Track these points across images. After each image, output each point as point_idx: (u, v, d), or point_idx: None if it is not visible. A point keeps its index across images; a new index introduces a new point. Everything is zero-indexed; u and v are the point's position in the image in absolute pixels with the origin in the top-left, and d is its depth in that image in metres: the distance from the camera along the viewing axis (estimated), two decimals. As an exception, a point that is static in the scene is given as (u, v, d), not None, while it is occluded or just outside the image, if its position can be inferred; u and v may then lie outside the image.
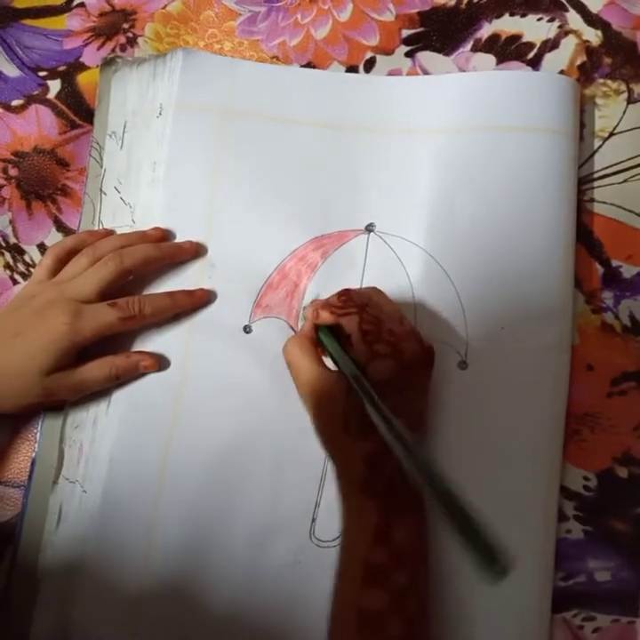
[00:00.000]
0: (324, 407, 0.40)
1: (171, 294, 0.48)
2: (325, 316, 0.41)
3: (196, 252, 0.50)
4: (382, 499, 0.39)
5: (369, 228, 0.50)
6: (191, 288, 0.49)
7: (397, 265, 0.48)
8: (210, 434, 0.47)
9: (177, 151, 0.52)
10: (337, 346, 0.41)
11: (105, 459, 0.47)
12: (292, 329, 0.49)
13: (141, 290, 0.50)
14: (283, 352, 0.44)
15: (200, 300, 0.49)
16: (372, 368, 0.39)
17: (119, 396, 0.48)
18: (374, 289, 0.44)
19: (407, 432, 0.32)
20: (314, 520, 0.45)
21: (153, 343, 0.48)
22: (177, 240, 0.50)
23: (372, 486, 0.39)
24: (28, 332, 0.44)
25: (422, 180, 0.50)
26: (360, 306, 0.41)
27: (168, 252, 0.49)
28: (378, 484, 0.39)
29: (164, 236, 0.50)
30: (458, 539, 0.25)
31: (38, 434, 0.48)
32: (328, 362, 0.42)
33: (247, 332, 0.49)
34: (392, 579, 0.37)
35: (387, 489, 0.39)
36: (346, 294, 0.43)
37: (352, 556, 0.39)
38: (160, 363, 0.48)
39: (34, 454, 0.48)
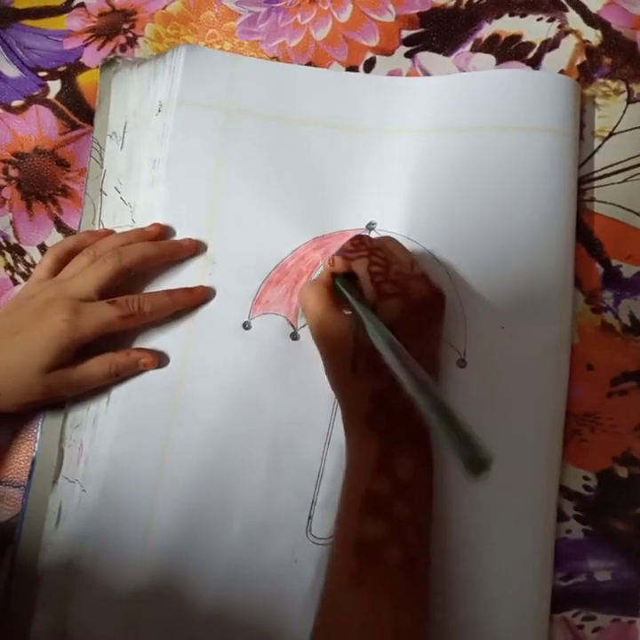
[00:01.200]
0: (334, 347, 0.42)
1: (170, 292, 0.48)
2: (338, 262, 0.43)
3: (195, 249, 0.50)
4: (385, 432, 0.40)
5: (370, 227, 0.50)
6: (191, 285, 0.49)
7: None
8: (208, 430, 0.47)
9: (178, 148, 0.52)
10: (353, 290, 0.42)
11: (104, 457, 0.47)
12: (292, 325, 0.49)
13: (142, 287, 0.50)
14: (298, 296, 0.45)
15: (200, 298, 0.49)
16: (381, 308, 0.40)
17: (118, 393, 0.48)
18: (387, 237, 0.46)
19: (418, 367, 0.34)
20: (310, 517, 0.45)
21: (152, 340, 0.49)
22: (177, 237, 0.50)
23: (377, 421, 0.40)
24: (28, 331, 0.44)
25: (423, 179, 0.50)
26: (371, 249, 0.43)
27: (167, 249, 0.49)
28: (382, 419, 0.40)
29: (163, 231, 0.50)
30: (450, 444, 0.28)
31: (38, 433, 0.48)
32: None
33: (246, 329, 0.49)
34: (393, 509, 0.38)
35: (390, 424, 0.40)
36: (358, 239, 0.44)
37: (354, 486, 0.40)
38: (160, 360, 0.48)
39: (34, 454, 0.48)
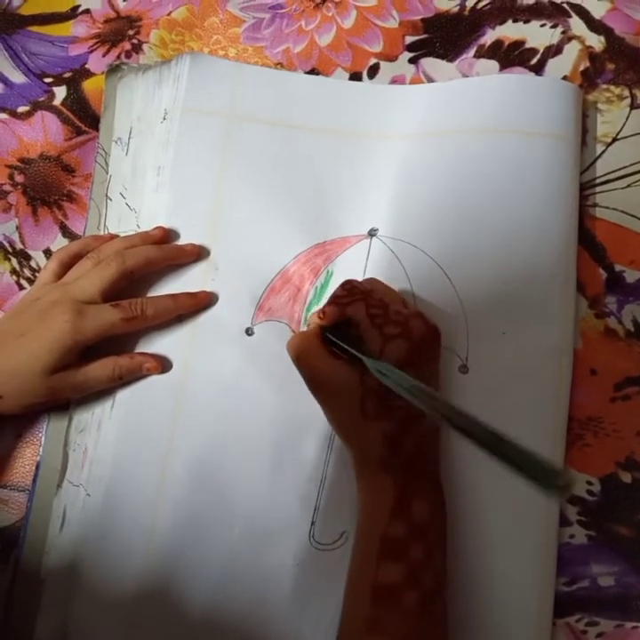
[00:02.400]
0: (339, 397, 0.41)
1: (173, 296, 0.49)
2: (332, 311, 0.42)
3: (197, 254, 0.50)
4: (400, 475, 0.40)
5: (371, 233, 0.50)
6: (194, 290, 0.49)
7: (399, 269, 0.48)
8: (210, 435, 0.47)
9: (182, 154, 0.52)
10: (344, 338, 0.41)
11: (108, 461, 0.47)
12: (294, 332, 0.49)
13: (145, 291, 0.50)
14: (288, 350, 0.44)
15: (202, 302, 0.49)
16: (387, 351, 0.40)
17: (122, 398, 0.48)
18: (373, 279, 0.45)
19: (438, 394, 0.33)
20: (313, 523, 0.45)
21: (156, 345, 0.49)
22: (181, 242, 0.51)
23: (391, 463, 0.40)
24: (32, 332, 0.44)
25: (424, 185, 0.50)
26: (364, 293, 0.42)
27: (170, 253, 0.49)
28: (396, 461, 0.40)
29: (166, 234, 0.51)
30: (519, 474, 0.27)
31: (43, 437, 0.49)
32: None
33: (249, 335, 0.49)
34: (409, 553, 0.38)
35: (405, 465, 0.40)
36: (349, 284, 0.44)
37: (370, 531, 0.40)
38: (163, 365, 0.48)
39: (38, 458, 0.48)
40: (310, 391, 0.43)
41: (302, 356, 0.42)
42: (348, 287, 0.43)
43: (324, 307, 0.43)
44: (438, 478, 0.43)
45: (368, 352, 0.39)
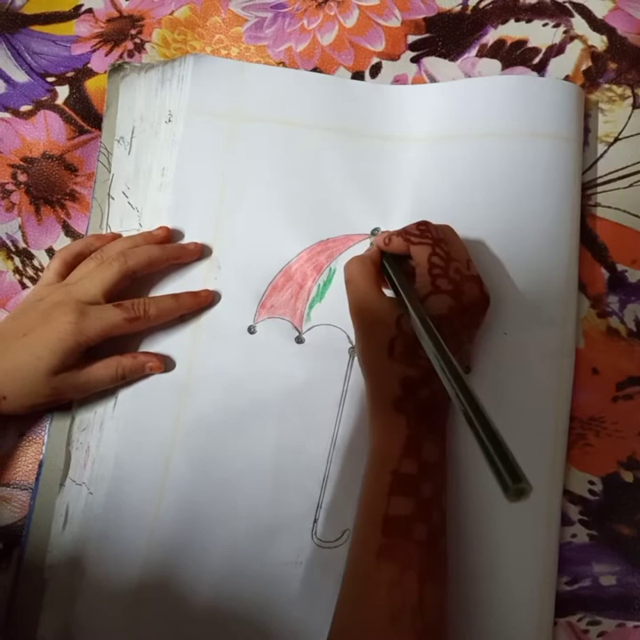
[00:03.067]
0: (374, 328, 0.42)
1: (175, 296, 0.49)
2: (398, 243, 0.43)
3: (200, 253, 0.50)
4: (413, 417, 0.41)
5: (374, 233, 0.50)
6: (197, 289, 0.50)
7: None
8: (213, 434, 0.47)
9: (187, 155, 0.52)
10: (400, 273, 0.42)
11: (110, 460, 0.47)
12: (297, 329, 0.49)
13: (148, 291, 0.50)
14: (344, 269, 0.45)
15: (205, 301, 0.49)
16: (431, 302, 0.40)
17: (125, 397, 0.48)
18: (448, 227, 0.46)
19: (457, 363, 0.34)
20: (316, 520, 0.46)
21: (158, 344, 0.49)
22: (184, 241, 0.51)
23: (405, 406, 0.41)
24: (34, 333, 0.44)
25: (426, 186, 0.50)
26: (436, 239, 0.43)
27: (172, 252, 0.49)
28: (410, 405, 0.41)
29: (170, 235, 0.51)
30: (487, 459, 0.29)
31: (46, 436, 0.49)
32: (387, 292, 0.44)
33: (251, 333, 0.49)
34: (419, 489, 0.39)
35: (417, 410, 0.41)
36: (425, 225, 0.44)
37: (381, 466, 0.41)
38: (166, 364, 0.48)
39: (41, 456, 0.48)
40: (350, 313, 0.44)
41: (355, 278, 0.43)
42: (423, 228, 0.44)
43: (392, 235, 0.44)
44: (445, 433, 0.44)
45: (414, 295, 0.40)
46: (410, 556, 0.38)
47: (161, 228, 0.51)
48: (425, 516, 0.39)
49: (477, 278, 0.43)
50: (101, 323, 0.45)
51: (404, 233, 0.43)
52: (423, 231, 0.43)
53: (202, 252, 0.50)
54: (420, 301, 0.40)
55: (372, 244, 0.49)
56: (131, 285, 0.48)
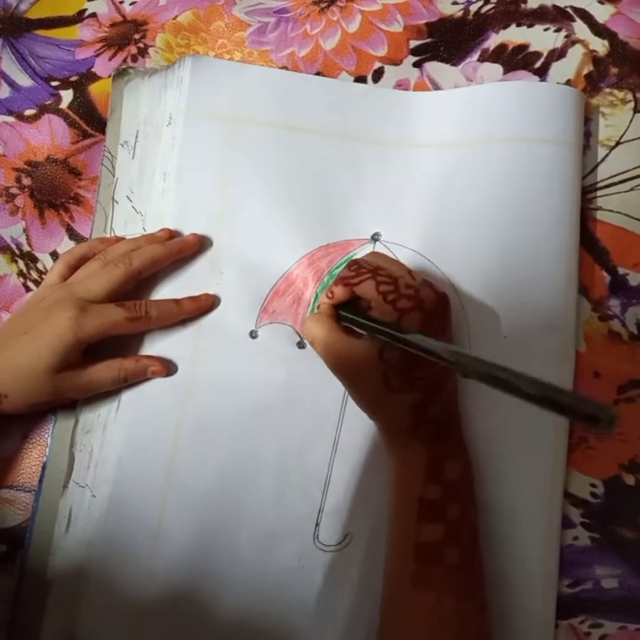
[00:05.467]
0: (360, 372, 0.41)
1: (176, 300, 0.49)
2: (341, 291, 0.42)
3: (200, 243, 0.50)
4: (429, 439, 0.41)
5: (375, 238, 0.50)
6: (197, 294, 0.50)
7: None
8: (215, 438, 0.47)
9: (186, 159, 0.52)
10: (362, 314, 0.41)
11: (113, 463, 0.47)
12: (298, 334, 0.49)
13: (150, 296, 0.50)
14: (303, 333, 0.45)
15: (205, 305, 0.49)
16: (404, 324, 0.40)
17: (128, 400, 0.48)
18: (375, 253, 0.46)
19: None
20: (317, 524, 0.46)
21: (160, 347, 0.49)
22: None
23: (420, 431, 0.41)
24: (35, 330, 0.44)
25: (427, 192, 0.51)
26: (372, 270, 0.43)
27: (174, 248, 0.49)
28: (425, 429, 0.41)
29: (172, 236, 0.51)
30: (559, 411, 0.28)
31: (49, 438, 0.49)
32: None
33: (253, 338, 0.49)
34: (446, 512, 0.40)
35: (433, 432, 0.41)
36: (356, 263, 0.44)
37: (406, 495, 0.41)
38: (168, 368, 0.48)
39: (45, 459, 0.48)
40: (331, 371, 0.43)
41: (320, 336, 0.42)
42: (355, 267, 0.43)
43: (332, 287, 0.43)
44: (463, 439, 0.44)
45: (387, 322, 0.40)
46: (444, 581, 0.39)
47: (163, 229, 0.51)
48: (455, 538, 0.40)
49: (426, 282, 0.43)
50: (102, 319, 0.45)
51: (341, 280, 0.43)
52: (357, 269, 0.43)
53: (202, 243, 0.50)
54: (395, 326, 0.39)
55: (316, 306, 0.48)
56: (135, 289, 0.48)
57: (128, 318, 0.46)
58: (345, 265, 0.44)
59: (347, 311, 0.42)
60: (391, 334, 0.38)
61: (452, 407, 0.44)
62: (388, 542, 0.42)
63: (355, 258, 0.45)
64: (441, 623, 0.38)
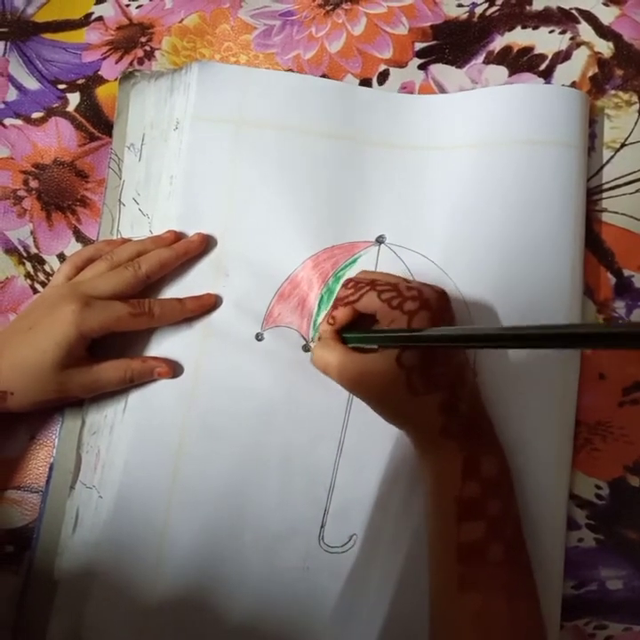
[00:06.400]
0: (384, 385, 0.41)
1: (180, 299, 0.49)
2: (343, 312, 0.43)
3: (205, 242, 0.51)
4: (463, 438, 0.41)
5: (379, 240, 0.51)
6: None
7: (407, 277, 0.49)
8: (221, 440, 0.47)
9: (193, 163, 0.52)
10: (371, 329, 0.42)
11: (119, 465, 0.47)
12: (303, 337, 0.49)
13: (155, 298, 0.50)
14: (313, 364, 0.44)
15: (208, 303, 0.49)
16: (416, 326, 0.40)
17: (134, 402, 0.49)
18: (365, 271, 0.47)
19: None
20: (323, 526, 0.46)
21: (166, 349, 0.49)
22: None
23: (452, 429, 0.41)
24: (39, 325, 0.44)
25: (433, 194, 0.51)
26: (369, 282, 0.43)
27: (180, 250, 0.50)
28: (456, 426, 0.41)
29: (178, 238, 0.51)
30: (606, 345, 0.29)
31: (56, 439, 0.49)
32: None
33: (259, 340, 0.49)
34: (487, 509, 0.39)
35: (465, 429, 0.41)
36: (350, 280, 0.44)
37: (444, 496, 0.41)
38: (174, 370, 0.48)
39: (52, 459, 0.49)
40: (352, 393, 0.43)
41: (332, 362, 0.42)
42: (352, 283, 0.44)
43: (331, 312, 0.44)
44: (495, 433, 0.44)
45: (398, 328, 0.40)
46: (491, 581, 0.38)
47: (169, 231, 0.51)
48: (498, 534, 0.39)
49: (424, 284, 0.44)
50: (105, 314, 0.45)
51: (340, 301, 0.43)
52: (355, 285, 0.43)
53: (207, 242, 0.51)
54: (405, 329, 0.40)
55: (317, 335, 0.48)
56: (141, 292, 0.48)
57: (131, 314, 0.46)
58: (340, 285, 0.45)
59: (354, 331, 0.42)
60: (409, 337, 0.38)
61: (477, 401, 0.44)
62: (430, 547, 0.41)
63: (349, 277, 0.45)
64: (491, 625, 0.37)
